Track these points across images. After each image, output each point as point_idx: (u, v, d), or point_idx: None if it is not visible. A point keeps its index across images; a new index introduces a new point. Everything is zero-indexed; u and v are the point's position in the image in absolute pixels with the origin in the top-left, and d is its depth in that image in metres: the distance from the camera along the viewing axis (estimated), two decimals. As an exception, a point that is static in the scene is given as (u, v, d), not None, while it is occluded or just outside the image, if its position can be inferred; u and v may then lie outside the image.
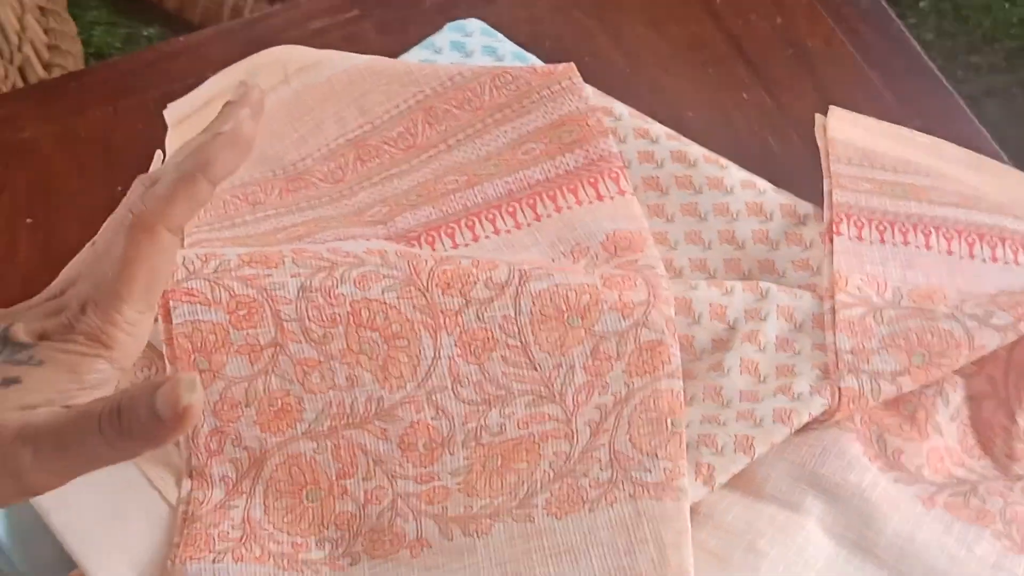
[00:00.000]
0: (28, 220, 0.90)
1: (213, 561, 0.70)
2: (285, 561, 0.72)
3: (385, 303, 0.74)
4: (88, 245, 0.64)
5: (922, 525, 0.74)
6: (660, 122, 0.91)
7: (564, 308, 0.75)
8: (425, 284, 0.75)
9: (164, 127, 0.94)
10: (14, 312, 0.62)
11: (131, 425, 0.52)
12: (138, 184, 0.62)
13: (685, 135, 0.91)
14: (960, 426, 0.80)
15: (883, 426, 0.79)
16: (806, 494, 0.75)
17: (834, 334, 0.78)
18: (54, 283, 0.64)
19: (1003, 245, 0.84)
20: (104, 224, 0.62)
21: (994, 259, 0.84)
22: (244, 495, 0.73)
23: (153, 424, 0.52)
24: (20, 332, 0.59)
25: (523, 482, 0.73)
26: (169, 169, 0.61)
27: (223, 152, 0.62)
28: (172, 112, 0.95)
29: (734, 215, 0.86)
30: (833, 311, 0.79)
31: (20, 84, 1.95)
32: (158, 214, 0.60)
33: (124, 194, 0.61)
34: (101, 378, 0.60)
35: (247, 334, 0.73)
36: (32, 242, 0.89)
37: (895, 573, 0.72)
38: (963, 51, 2.38)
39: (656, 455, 0.72)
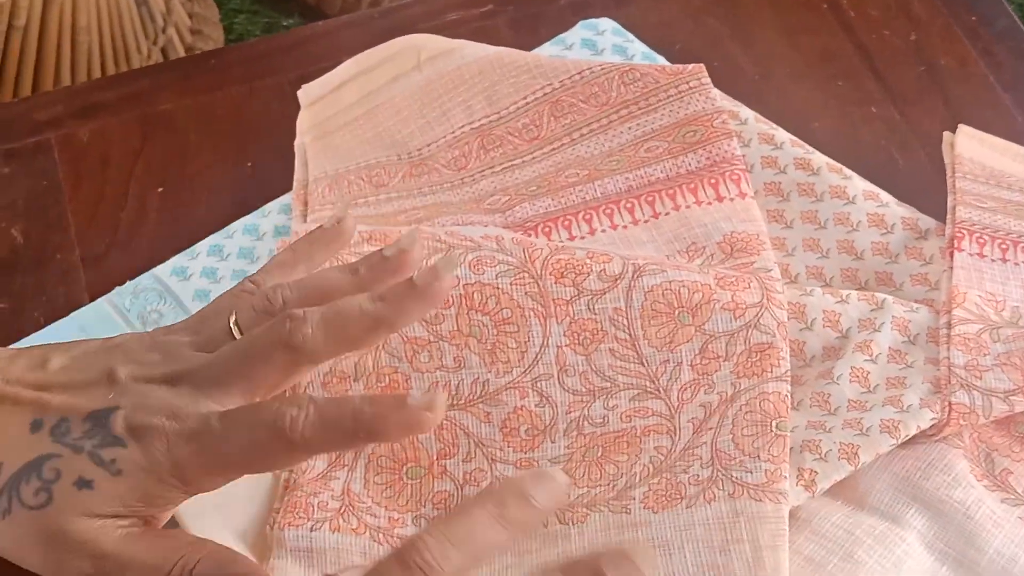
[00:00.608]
0: (160, 189, 0.92)
1: (311, 529, 0.71)
2: (381, 535, 0.73)
3: (498, 288, 0.75)
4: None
5: (1024, 546, 0.73)
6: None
7: (676, 304, 0.75)
8: (539, 272, 0.75)
9: (297, 107, 0.96)
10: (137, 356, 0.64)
11: None
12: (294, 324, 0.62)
13: (810, 145, 0.90)
14: (1072, 451, 0.79)
15: (992, 445, 0.77)
16: (909, 507, 0.74)
17: (948, 348, 0.77)
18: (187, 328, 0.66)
19: None
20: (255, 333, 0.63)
21: (1120, 286, 0.82)
22: (346, 468, 0.74)
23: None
24: (119, 422, 0.60)
25: (622, 474, 0.73)
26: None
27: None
28: (306, 93, 0.97)
29: (854, 225, 0.85)
30: (949, 326, 0.78)
31: (162, 64, 2.00)
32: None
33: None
34: (169, 507, 0.62)
35: None
36: (162, 210, 0.91)
37: (994, 593, 0.71)
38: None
39: (758, 456, 0.72)
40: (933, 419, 0.75)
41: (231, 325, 0.65)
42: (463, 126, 0.92)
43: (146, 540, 0.59)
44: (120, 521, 0.59)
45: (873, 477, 0.75)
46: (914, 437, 0.76)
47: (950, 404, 0.75)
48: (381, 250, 0.69)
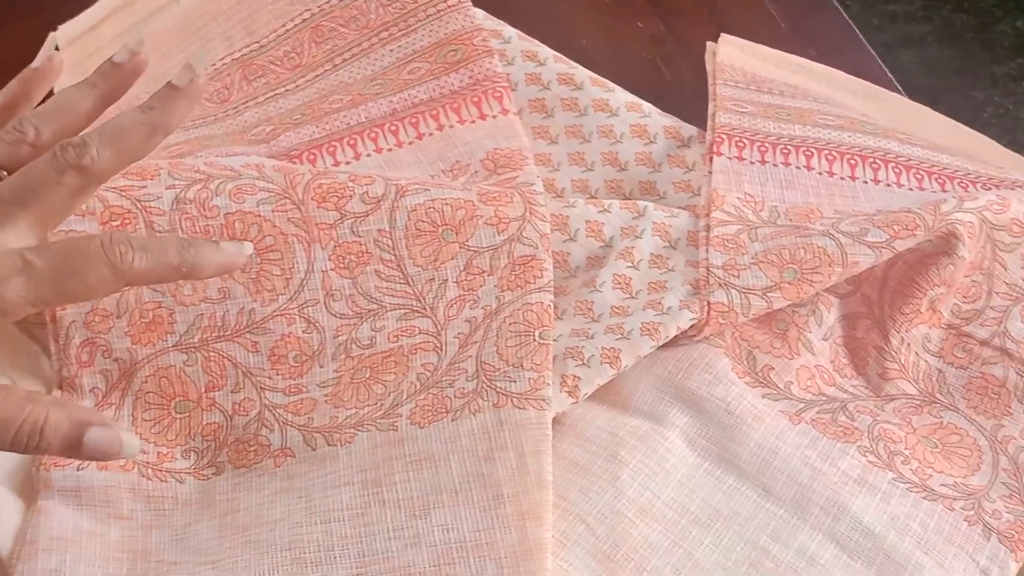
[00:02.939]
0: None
1: (78, 468, 0.70)
2: (150, 471, 0.71)
3: (259, 215, 0.74)
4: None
5: (786, 439, 0.74)
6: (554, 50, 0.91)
7: (439, 222, 0.75)
8: (301, 197, 0.74)
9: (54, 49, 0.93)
10: None
11: None
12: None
13: (578, 62, 0.90)
14: (833, 345, 0.80)
15: (753, 343, 0.79)
16: (671, 407, 0.75)
17: (707, 250, 0.78)
18: None
19: (886, 167, 0.85)
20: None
21: (876, 181, 0.84)
22: (113, 406, 0.73)
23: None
24: None
25: (389, 393, 0.73)
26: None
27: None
28: (63, 33, 0.94)
29: (618, 137, 0.86)
30: (708, 228, 0.79)
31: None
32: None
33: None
34: None
35: None
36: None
37: (757, 485, 0.73)
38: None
39: (522, 366, 0.72)
40: (693, 319, 0.76)
41: None
42: (224, 58, 0.90)
43: None
44: None
45: (636, 379, 0.76)
46: (676, 338, 0.77)
47: (709, 304, 0.76)
48: (111, 57, 0.67)
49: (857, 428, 0.76)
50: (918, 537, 0.71)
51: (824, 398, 0.77)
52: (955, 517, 0.73)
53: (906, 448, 0.75)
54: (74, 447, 0.56)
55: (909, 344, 0.80)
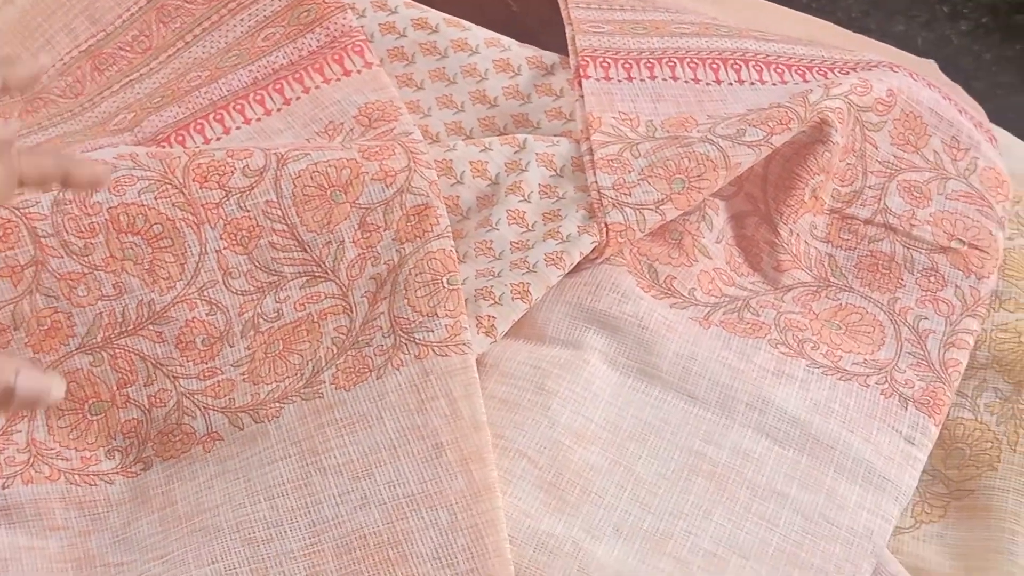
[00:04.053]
0: None
1: (3, 487, 0.69)
2: (77, 476, 0.70)
3: (143, 205, 0.73)
4: None
5: (701, 344, 0.76)
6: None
7: (326, 185, 0.74)
8: (181, 180, 0.73)
9: None
10: None
11: None
12: None
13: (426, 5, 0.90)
14: (726, 247, 0.82)
15: (652, 256, 0.80)
16: (586, 331, 0.76)
17: (594, 173, 0.79)
18: None
19: (747, 67, 0.86)
20: None
21: (740, 81, 0.86)
22: (26, 419, 0.71)
23: None
24: None
25: (307, 362, 0.73)
26: None
27: None
28: None
29: (483, 74, 0.86)
30: (591, 151, 0.80)
31: None
32: None
33: None
34: None
35: (5, 256, 0.70)
36: None
37: (681, 392, 0.74)
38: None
39: (436, 314, 0.72)
40: (594, 243, 0.77)
41: None
42: (70, 51, 0.88)
43: None
44: None
45: (548, 310, 0.77)
46: (579, 264, 0.78)
47: (606, 225, 0.77)
48: None
49: (764, 323, 0.78)
50: (841, 417, 0.74)
51: (727, 299, 0.79)
52: (871, 393, 0.75)
53: (813, 334, 0.78)
54: (7, 396, 0.55)
55: (798, 234, 0.82)
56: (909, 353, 0.78)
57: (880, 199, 0.83)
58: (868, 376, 0.76)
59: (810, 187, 0.81)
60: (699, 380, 0.75)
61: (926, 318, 0.79)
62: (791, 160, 0.82)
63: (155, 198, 0.73)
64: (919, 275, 0.81)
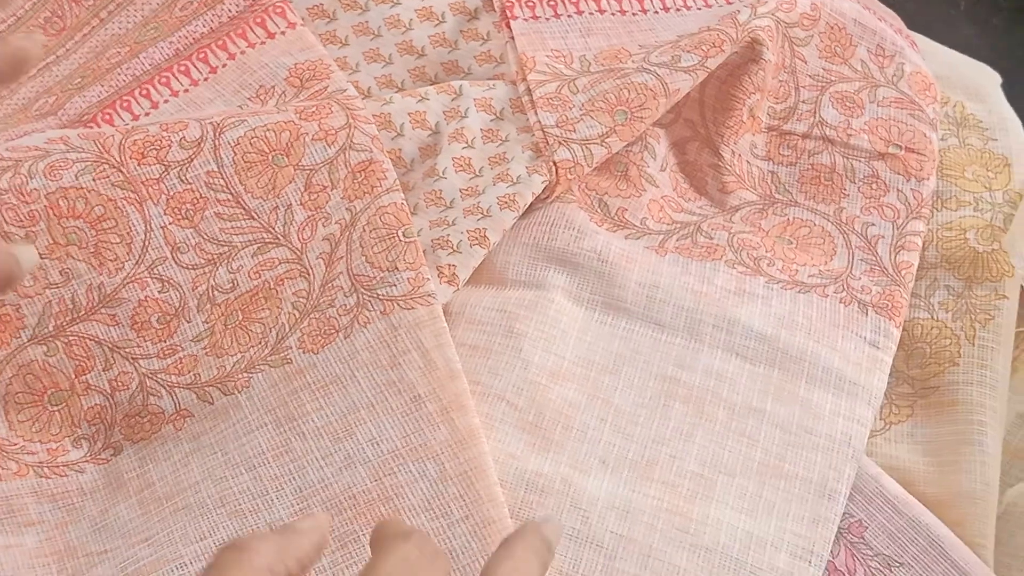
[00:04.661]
0: None
1: None
2: (45, 469, 0.69)
3: (82, 188, 0.71)
4: None
5: (660, 272, 0.77)
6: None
7: (267, 149, 0.73)
8: (118, 159, 0.72)
9: None
10: None
11: None
12: None
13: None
14: (671, 174, 0.83)
15: (601, 191, 0.80)
16: (547, 270, 0.76)
17: (535, 112, 0.79)
18: None
19: None
20: None
21: (665, 8, 0.86)
22: None
23: None
24: None
25: (270, 329, 0.72)
26: None
27: None
28: None
29: (407, 24, 0.85)
30: (529, 92, 0.80)
31: None
32: None
33: None
34: None
35: None
36: None
37: (647, 320, 0.75)
38: None
39: (396, 268, 0.72)
40: (544, 182, 0.77)
41: None
42: (-19, 39, 0.85)
43: None
44: None
45: (506, 253, 0.77)
46: (532, 205, 0.78)
47: (555, 163, 0.77)
48: None
49: (718, 245, 0.79)
50: (805, 329, 0.75)
51: (678, 225, 0.80)
52: (831, 302, 0.77)
53: (767, 251, 0.79)
54: None
55: (739, 155, 0.83)
56: (861, 260, 0.79)
57: (815, 112, 0.84)
58: (825, 286, 0.77)
59: (747, 107, 0.82)
60: (664, 307, 0.75)
61: (873, 224, 0.80)
62: (726, 82, 0.82)
63: (93, 179, 0.71)
64: (861, 183, 0.82)
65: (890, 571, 0.70)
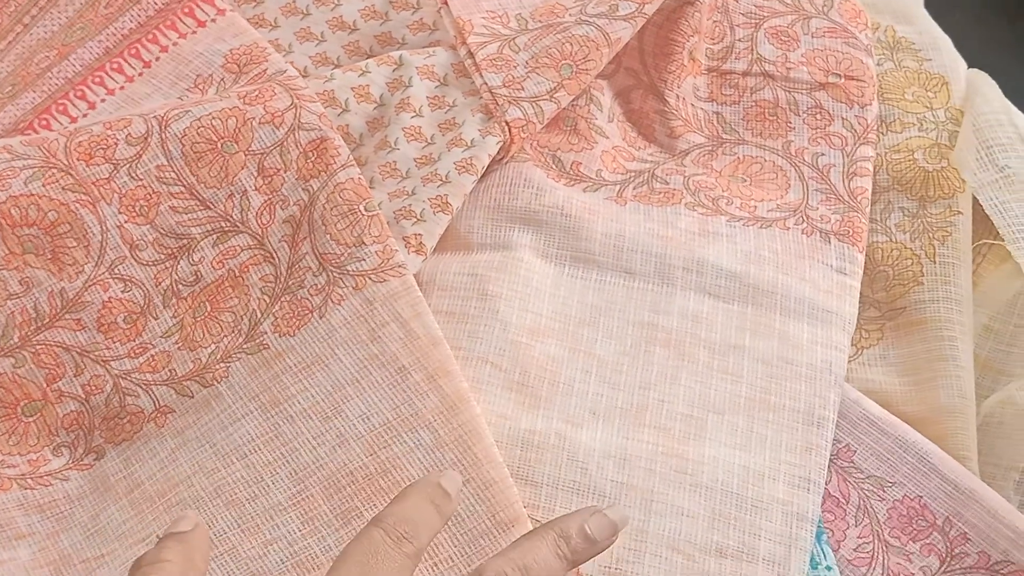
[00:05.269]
0: None
1: None
2: (30, 480, 0.68)
3: (32, 195, 0.70)
4: None
5: (624, 220, 0.77)
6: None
7: (215, 138, 0.72)
8: (66, 162, 0.71)
9: None
10: None
11: None
12: None
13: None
14: (619, 124, 0.83)
15: (553, 147, 0.81)
16: (511, 230, 0.76)
17: (481, 75, 0.78)
18: None
19: None
20: None
21: (593, -40, 0.86)
22: None
23: None
24: None
25: (241, 317, 0.71)
26: None
27: None
28: None
29: (336, 0, 0.84)
30: (471, 55, 0.79)
31: None
32: None
33: None
34: None
35: None
36: None
37: (617, 270, 0.75)
38: None
39: (363, 242, 0.71)
40: (499, 142, 0.77)
41: None
42: (-98, 55, 0.83)
43: None
44: None
45: (469, 218, 0.77)
46: (488, 167, 0.78)
47: (507, 123, 0.77)
48: None
49: (675, 189, 0.79)
50: (773, 263, 0.75)
51: (633, 173, 0.80)
52: (793, 234, 0.77)
53: (724, 191, 0.79)
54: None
55: (683, 98, 0.83)
56: (816, 190, 0.80)
57: (752, 50, 0.84)
58: (786, 219, 0.78)
59: (687, 50, 0.82)
60: (632, 255, 0.75)
61: (823, 154, 0.81)
62: (663, 27, 0.83)
63: (43, 185, 0.70)
64: (805, 115, 0.83)
65: (883, 492, 0.71)
